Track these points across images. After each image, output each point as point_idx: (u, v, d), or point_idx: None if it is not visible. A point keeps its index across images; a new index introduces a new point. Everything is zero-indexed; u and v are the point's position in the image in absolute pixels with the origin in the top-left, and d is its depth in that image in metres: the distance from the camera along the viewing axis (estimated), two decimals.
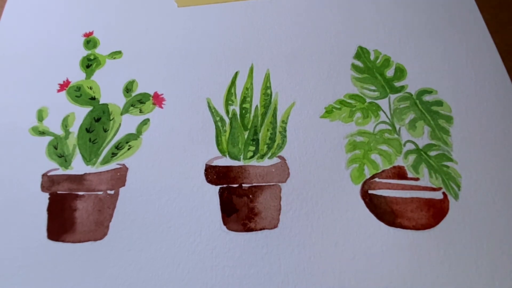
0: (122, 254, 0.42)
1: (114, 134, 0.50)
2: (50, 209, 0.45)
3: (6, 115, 0.52)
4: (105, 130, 0.50)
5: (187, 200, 0.45)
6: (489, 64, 0.50)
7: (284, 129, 0.48)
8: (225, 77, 0.52)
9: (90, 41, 0.57)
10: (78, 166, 0.48)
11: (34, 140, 0.50)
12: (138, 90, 0.53)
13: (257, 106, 0.50)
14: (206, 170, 0.46)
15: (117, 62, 0.55)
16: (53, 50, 0.57)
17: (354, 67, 0.52)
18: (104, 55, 0.56)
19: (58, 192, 0.46)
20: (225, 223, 0.43)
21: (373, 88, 0.50)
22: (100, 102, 0.52)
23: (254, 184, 0.45)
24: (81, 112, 0.52)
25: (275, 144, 0.47)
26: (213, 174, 0.46)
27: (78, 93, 0.53)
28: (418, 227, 0.41)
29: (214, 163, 0.46)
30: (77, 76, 0.55)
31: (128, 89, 0.53)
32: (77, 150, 0.49)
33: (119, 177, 0.47)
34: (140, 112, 0.51)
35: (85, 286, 0.41)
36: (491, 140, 0.45)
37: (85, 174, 0.47)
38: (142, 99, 0.52)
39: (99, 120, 0.51)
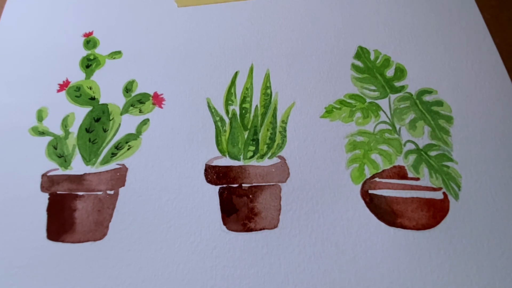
0: (122, 254, 0.42)
1: (114, 134, 0.50)
2: (50, 209, 0.45)
3: (6, 115, 0.52)
4: (105, 130, 0.50)
5: (187, 200, 0.44)
6: (489, 64, 0.50)
7: (284, 129, 0.48)
8: (225, 77, 0.52)
9: (90, 41, 0.57)
10: (77, 166, 0.48)
11: (33, 140, 0.50)
12: (137, 90, 0.53)
13: (257, 106, 0.50)
14: (206, 170, 0.46)
15: (117, 62, 0.55)
16: (53, 50, 0.57)
17: (354, 67, 0.52)
18: (104, 55, 0.56)
19: (58, 192, 0.46)
20: (225, 223, 0.43)
21: (373, 88, 0.50)
22: (100, 102, 0.52)
23: (254, 184, 0.45)
24: (80, 112, 0.51)
25: (275, 144, 0.47)
26: (213, 174, 0.46)
27: (78, 93, 0.53)
28: (418, 227, 0.41)
29: (214, 163, 0.46)
30: (77, 76, 0.55)
31: (127, 89, 0.53)
32: (77, 150, 0.49)
33: (119, 177, 0.47)
34: (140, 112, 0.51)
35: (84, 286, 0.41)
36: (491, 140, 0.45)
37: (84, 174, 0.47)
38: (141, 99, 0.52)
39: (98, 120, 0.51)
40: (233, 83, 0.52)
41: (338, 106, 0.49)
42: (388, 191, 0.43)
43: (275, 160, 0.46)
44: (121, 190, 0.46)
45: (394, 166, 0.44)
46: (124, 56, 0.56)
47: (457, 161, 0.44)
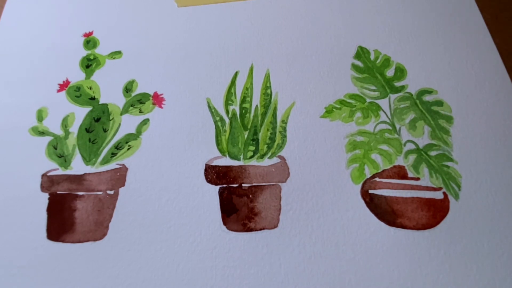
0: (122, 254, 0.42)
1: (114, 134, 0.50)
2: (50, 209, 0.45)
3: (6, 115, 0.52)
4: (105, 130, 0.50)
5: (187, 200, 0.44)
6: (489, 64, 0.50)
7: (284, 129, 0.48)
8: (225, 77, 0.52)
9: (90, 41, 0.57)
10: (77, 166, 0.48)
11: (34, 140, 0.50)
12: (137, 90, 0.53)
13: (257, 106, 0.50)
14: (206, 170, 0.46)
15: (117, 62, 0.55)
16: (53, 50, 0.57)
17: (354, 67, 0.52)
18: (104, 55, 0.56)
19: (58, 192, 0.46)
20: (225, 223, 0.43)
21: (373, 88, 0.50)
22: (100, 102, 0.52)
23: (254, 184, 0.45)
24: (81, 112, 0.51)
25: (275, 144, 0.47)
26: (213, 174, 0.46)
27: (78, 93, 0.53)
28: (418, 227, 0.41)
29: (214, 163, 0.46)
30: (77, 76, 0.55)
31: (127, 89, 0.53)
32: (77, 150, 0.49)
33: (119, 177, 0.47)
34: (140, 112, 0.51)
35: (84, 286, 0.41)
36: (491, 140, 0.45)
37: (84, 174, 0.47)
38: (141, 99, 0.52)
39: (98, 120, 0.51)
40: (233, 83, 0.52)
41: (338, 106, 0.49)
42: (388, 191, 0.43)
43: (275, 160, 0.46)
44: (121, 190, 0.46)
45: (394, 166, 0.44)
46: (124, 56, 0.56)
47: (457, 161, 0.44)
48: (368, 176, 0.44)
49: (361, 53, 0.53)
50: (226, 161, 0.46)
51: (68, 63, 0.56)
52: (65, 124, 0.51)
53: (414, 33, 0.53)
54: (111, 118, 0.51)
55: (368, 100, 0.49)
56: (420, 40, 0.53)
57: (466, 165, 0.44)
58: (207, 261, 0.41)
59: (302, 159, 0.46)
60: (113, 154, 0.48)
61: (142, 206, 0.45)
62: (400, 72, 0.51)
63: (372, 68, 0.51)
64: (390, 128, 0.47)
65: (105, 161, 0.48)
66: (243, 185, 0.45)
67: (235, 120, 0.49)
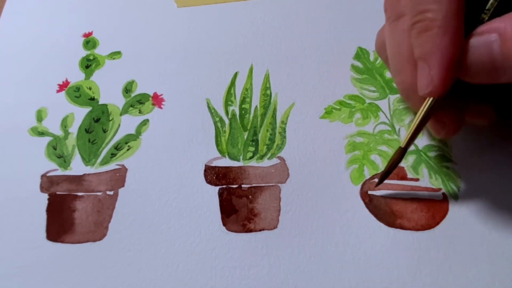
0: (122, 255, 0.42)
1: (114, 135, 0.50)
2: (49, 210, 0.45)
3: (5, 116, 0.52)
4: (104, 131, 0.50)
5: (186, 201, 0.44)
6: None
7: (284, 130, 0.48)
8: (225, 78, 0.52)
9: (89, 42, 0.57)
10: (77, 167, 0.48)
11: (33, 140, 0.50)
12: (137, 91, 0.53)
13: (256, 106, 0.50)
14: (205, 170, 0.46)
15: (117, 63, 0.55)
16: (52, 50, 0.57)
17: (354, 68, 0.52)
18: (103, 56, 0.56)
19: (57, 192, 0.46)
20: (224, 223, 0.43)
21: (373, 89, 0.50)
22: (100, 103, 0.52)
23: (253, 185, 0.45)
24: (80, 113, 0.51)
25: (275, 144, 0.47)
26: (213, 174, 0.46)
27: (77, 94, 0.53)
28: (418, 227, 0.41)
29: (214, 164, 0.46)
30: (76, 76, 0.54)
31: (127, 90, 0.53)
32: (76, 151, 0.49)
33: (119, 178, 0.47)
34: (139, 112, 0.51)
35: (84, 287, 0.41)
36: (491, 140, 0.45)
37: (84, 174, 0.47)
38: (141, 100, 0.52)
39: (98, 121, 0.51)
40: (232, 83, 0.52)
41: (338, 107, 0.49)
42: (387, 192, 0.43)
43: (275, 160, 0.46)
44: (121, 190, 0.46)
45: None
46: (124, 57, 0.56)
47: (456, 162, 0.44)
48: (368, 177, 0.44)
49: (361, 54, 0.53)
50: (225, 162, 0.46)
51: (67, 63, 0.56)
52: (64, 124, 0.51)
53: None
54: (110, 118, 0.51)
55: (367, 101, 0.49)
56: None
57: (466, 166, 0.44)
58: (207, 261, 0.41)
59: (302, 160, 0.46)
60: (113, 155, 0.48)
61: (142, 206, 0.45)
62: None
63: (371, 69, 0.51)
64: (389, 129, 0.47)
65: (104, 162, 0.48)
66: (242, 186, 0.45)
67: (234, 121, 0.49)
